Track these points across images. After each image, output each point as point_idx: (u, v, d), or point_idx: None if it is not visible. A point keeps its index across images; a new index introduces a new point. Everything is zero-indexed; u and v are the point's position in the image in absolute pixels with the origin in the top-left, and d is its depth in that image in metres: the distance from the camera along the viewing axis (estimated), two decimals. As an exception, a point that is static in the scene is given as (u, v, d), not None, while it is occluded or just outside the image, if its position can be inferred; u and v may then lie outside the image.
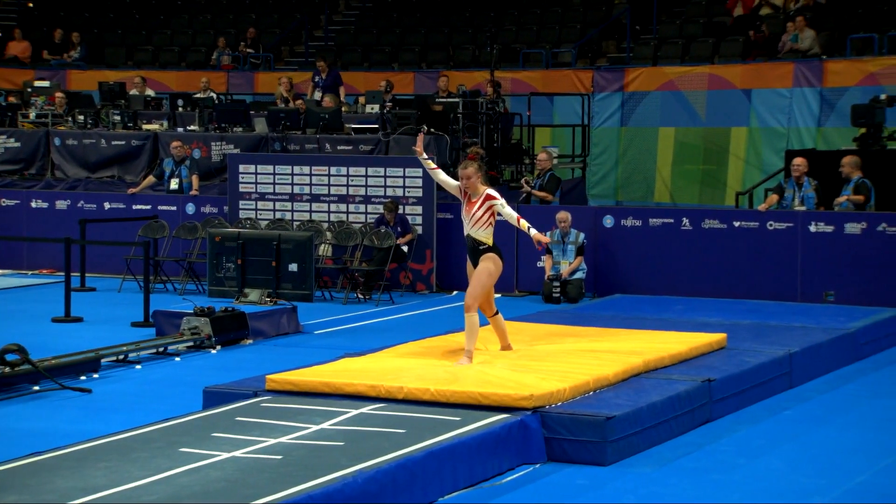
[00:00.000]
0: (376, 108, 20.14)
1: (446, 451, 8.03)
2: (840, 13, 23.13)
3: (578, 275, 17.08)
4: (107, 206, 19.89)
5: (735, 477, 8.61)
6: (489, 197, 10.31)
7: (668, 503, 8.06)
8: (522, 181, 18.71)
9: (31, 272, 19.86)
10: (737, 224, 16.77)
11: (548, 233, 16.49)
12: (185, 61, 28.10)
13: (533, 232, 10.31)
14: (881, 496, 8.27)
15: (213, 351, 13.27)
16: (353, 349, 11.82)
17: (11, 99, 22.91)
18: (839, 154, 17.22)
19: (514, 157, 20.28)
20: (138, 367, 12.44)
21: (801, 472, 8.76)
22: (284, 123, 19.72)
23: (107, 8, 30.79)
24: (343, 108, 20.71)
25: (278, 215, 18.76)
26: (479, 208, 10.33)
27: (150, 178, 19.97)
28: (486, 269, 10.37)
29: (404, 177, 18.02)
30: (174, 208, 19.41)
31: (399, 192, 18.08)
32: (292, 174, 18.75)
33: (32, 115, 21.80)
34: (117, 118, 21.04)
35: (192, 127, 20.82)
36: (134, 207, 19.61)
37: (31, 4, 31.26)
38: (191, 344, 13.31)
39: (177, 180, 19.58)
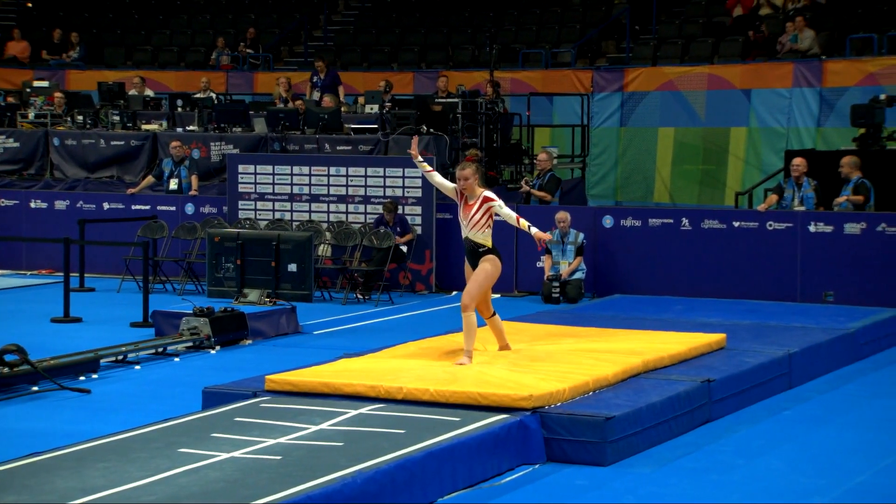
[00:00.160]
0: (375, 108, 20.14)
1: (446, 452, 8.02)
2: (840, 13, 23.13)
3: (578, 275, 17.07)
4: (106, 206, 19.89)
5: (734, 477, 8.61)
6: (487, 199, 10.27)
7: (668, 503, 8.06)
8: (522, 182, 18.71)
9: (30, 272, 19.85)
10: (736, 224, 16.76)
11: (548, 232, 16.46)
12: (184, 61, 28.10)
13: (534, 231, 10.28)
14: (881, 496, 8.27)
15: (213, 351, 13.27)
16: (352, 349, 11.81)
17: (10, 99, 22.91)
18: (839, 154, 17.21)
19: (513, 157, 20.28)
20: (137, 367, 12.43)
21: (801, 472, 8.76)
22: (284, 123, 19.72)
23: (106, 8, 30.78)
24: (342, 109, 20.71)
25: (277, 215, 18.75)
26: (477, 211, 10.29)
27: (150, 179, 19.96)
28: (484, 270, 10.35)
29: (403, 177, 18.01)
30: (173, 208, 19.40)
31: (398, 193, 18.07)
32: (291, 174, 18.75)
33: (31, 115, 21.80)
34: (116, 118, 21.04)
35: (191, 127, 20.81)
36: (133, 208, 19.61)
37: (30, 4, 31.25)
38: (190, 344, 13.31)
39: (176, 180, 19.58)
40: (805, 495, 8.17)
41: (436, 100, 20.12)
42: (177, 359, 12.89)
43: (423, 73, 25.53)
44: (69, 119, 21.52)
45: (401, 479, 7.57)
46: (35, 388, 11.10)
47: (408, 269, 17.82)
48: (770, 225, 16.53)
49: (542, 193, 18.20)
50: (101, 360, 12.17)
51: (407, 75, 25.70)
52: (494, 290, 10.98)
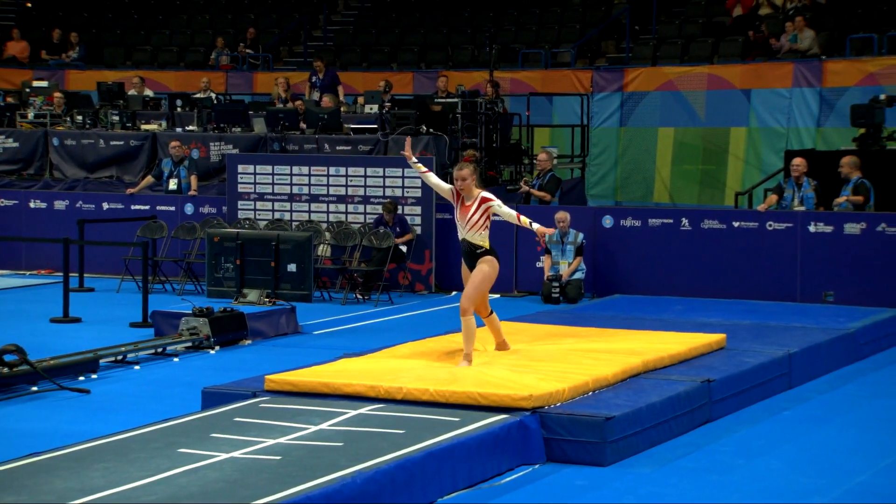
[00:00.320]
0: (375, 108, 20.13)
1: (445, 452, 8.02)
2: (839, 13, 23.12)
3: (577, 275, 17.07)
4: (105, 206, 19.88)
5: (734, 477, 8.60)
6: (485, 199, 10.21)
7: (668, 503, 8.05)
8: (521, 182, 18.70)
9: (29, 272, 19.84)
10: (736, 224, 16.76)
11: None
12: (183, 61, 28.08)
13: (536, 226, 10.18)
14: (881, 496, 8.27)
15: (212, 351, 13.26)
16: (351, 349, 11.80)
17: (10, 99, 22.89)
18: (838, 154, 17.21)
19: (513, 157, 20.28)
20: (137, 367, 12.43)
21: (801, 472, 8.75)
22: (283, 123, 19.71)
23: (105, 8, 30.76)
24: (342, 109, 20.70)
25: (277, 215, 18.75)
26: (475, 212, 10.22)
27: (149, 179, 19.95)
28: (482, 272, 10.30)
29: (403, 177, 18.01)
30: (173, 208, 19.39)
31: (398, 193, 18.07)
32: (291, 174, 18.74)
33: (31, 115, 21.79)
34: (116, 118, 21.03)
35: (190, 127, 20.80)
36: (132, 208, 19.60)
37: (29, 4, 31.24)
38: (189, 344, 13.30)
39: (175, 180, 19.57)
40: (805, 495, 8.16)
41: (435, 100, 20.11)
42: (176, 359, 12.88)
43: (423, 73, 25.52)
44: (68, 119, 21.51)
45: (400, 479, 7.56)
46: (34, 389, 11.10)
47: (407, 270, 17.82)
48: (770, 225, 16.53)
49: (541, 193, 18.19)
50: (101, 361, 12.17)
51: (406, 75, 25.69)
52: (494, 291, 10.97)
